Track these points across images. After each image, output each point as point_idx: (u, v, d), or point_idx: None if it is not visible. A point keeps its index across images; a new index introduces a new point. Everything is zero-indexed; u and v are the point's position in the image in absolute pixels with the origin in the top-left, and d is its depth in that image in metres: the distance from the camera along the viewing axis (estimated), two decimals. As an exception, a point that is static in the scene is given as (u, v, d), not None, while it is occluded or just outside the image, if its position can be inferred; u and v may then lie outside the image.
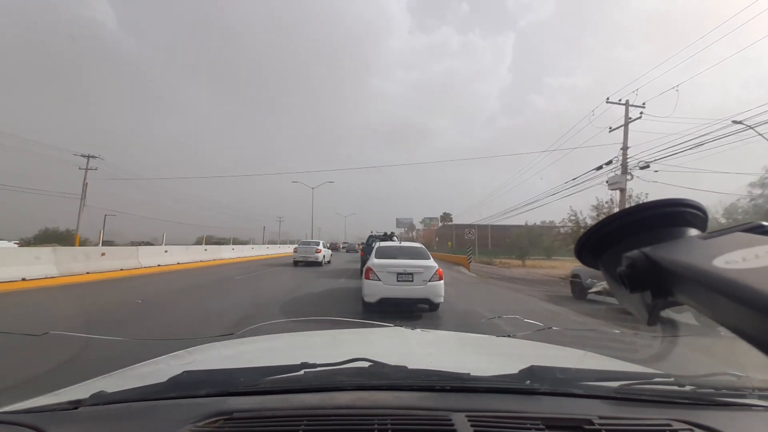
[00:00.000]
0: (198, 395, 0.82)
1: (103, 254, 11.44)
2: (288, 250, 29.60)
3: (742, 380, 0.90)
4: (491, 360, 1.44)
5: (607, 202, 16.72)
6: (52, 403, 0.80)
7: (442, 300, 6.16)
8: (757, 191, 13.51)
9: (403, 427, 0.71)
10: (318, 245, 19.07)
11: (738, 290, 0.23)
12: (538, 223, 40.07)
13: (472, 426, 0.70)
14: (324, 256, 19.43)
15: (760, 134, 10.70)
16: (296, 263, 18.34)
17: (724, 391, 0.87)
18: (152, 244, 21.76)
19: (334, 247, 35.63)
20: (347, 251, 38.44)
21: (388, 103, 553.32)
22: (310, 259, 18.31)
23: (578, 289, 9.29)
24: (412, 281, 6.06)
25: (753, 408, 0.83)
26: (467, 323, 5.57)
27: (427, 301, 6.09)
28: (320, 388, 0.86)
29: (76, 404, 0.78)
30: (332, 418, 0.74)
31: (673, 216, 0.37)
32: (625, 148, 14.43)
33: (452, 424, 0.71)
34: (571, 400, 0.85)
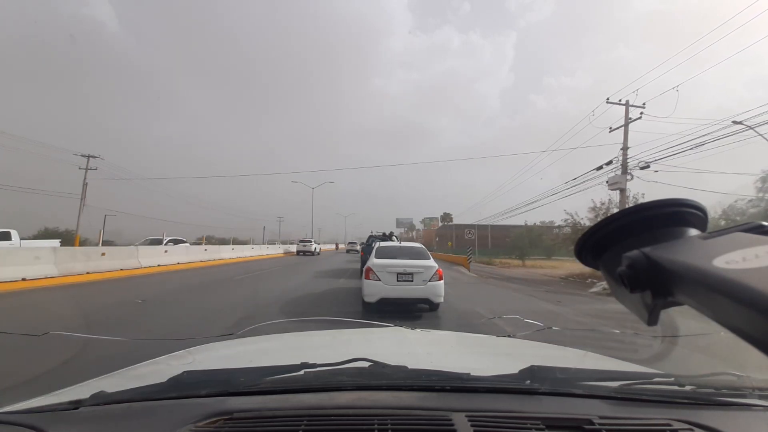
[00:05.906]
0: (198, 395, 0.82)
1: (103, 254, 11.43)
2: (290, 250, 34.20)
3: (742, 380, 0.90)
4: (491, 360, 1.44)
5: (602, 204, 16.64)
6: (52, 403, 0.80)
7: (442, 300, 6.16)
8: (760, 184, 13.50)
9: (404, 427, 0.71)
10: (311, 242, 32.07)
11: (738, 290, 0.22)
12: (537, 223, 40.00)
13: (472, 426, 0.70)
14: (316, 249, 31.96)
15: (760, 134, 10.70)
16: (299, 253, 30.35)
17: (724, 391, 0.87)
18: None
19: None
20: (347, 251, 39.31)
21: (388, 102, 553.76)
22: (308, 250, 30.31)
23: None
24: (412, 281, 6.06)
25: (753, 408, 0.83)
26: (467, 323, 5.57)
27: (427, 301, 6.10)
28: (320, 388, 0.86)
29: (76, 404, 0.78)
30: (332, 418, 0.74)
31: (673, 216, 0.37)
32: (625, 148, 14.40)
33: (452, 424, 0.71)
34: (571, 400, 0.85)
